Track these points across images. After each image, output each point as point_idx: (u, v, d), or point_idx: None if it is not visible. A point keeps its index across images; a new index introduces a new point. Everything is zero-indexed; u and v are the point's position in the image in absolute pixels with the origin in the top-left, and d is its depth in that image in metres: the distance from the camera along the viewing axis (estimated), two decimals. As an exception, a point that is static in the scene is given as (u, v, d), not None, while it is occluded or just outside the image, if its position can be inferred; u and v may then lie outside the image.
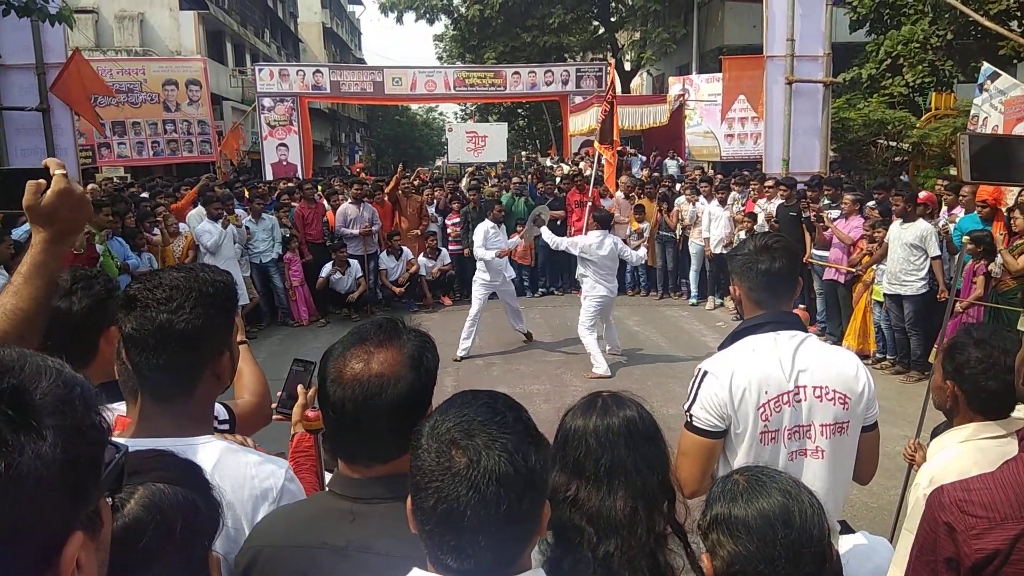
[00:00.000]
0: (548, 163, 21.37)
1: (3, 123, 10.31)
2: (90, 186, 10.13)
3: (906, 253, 7.60)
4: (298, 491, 1.56)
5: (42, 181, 1.39)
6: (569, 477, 1.64)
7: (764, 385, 2.18)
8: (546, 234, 8.68)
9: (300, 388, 2.06)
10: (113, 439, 0.78)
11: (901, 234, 7.67)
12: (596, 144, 11.35)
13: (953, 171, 10.56)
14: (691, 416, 2.26)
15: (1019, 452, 1.58)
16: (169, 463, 1.05)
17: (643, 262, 10.16)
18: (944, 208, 8.59)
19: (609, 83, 11.95)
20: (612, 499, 1.59)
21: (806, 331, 2.31)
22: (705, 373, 2.25)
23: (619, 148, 17.17)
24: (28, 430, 0.67)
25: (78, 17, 16.22)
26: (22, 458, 0.66)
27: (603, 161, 11.29)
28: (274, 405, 2.08)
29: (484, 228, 8.75)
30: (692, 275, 11.38)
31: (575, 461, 1.64)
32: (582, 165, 15.48)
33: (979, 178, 1.89)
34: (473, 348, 8.73)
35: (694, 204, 11.26)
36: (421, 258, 11.42)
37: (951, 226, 7.96)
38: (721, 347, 2.37)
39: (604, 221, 8.12)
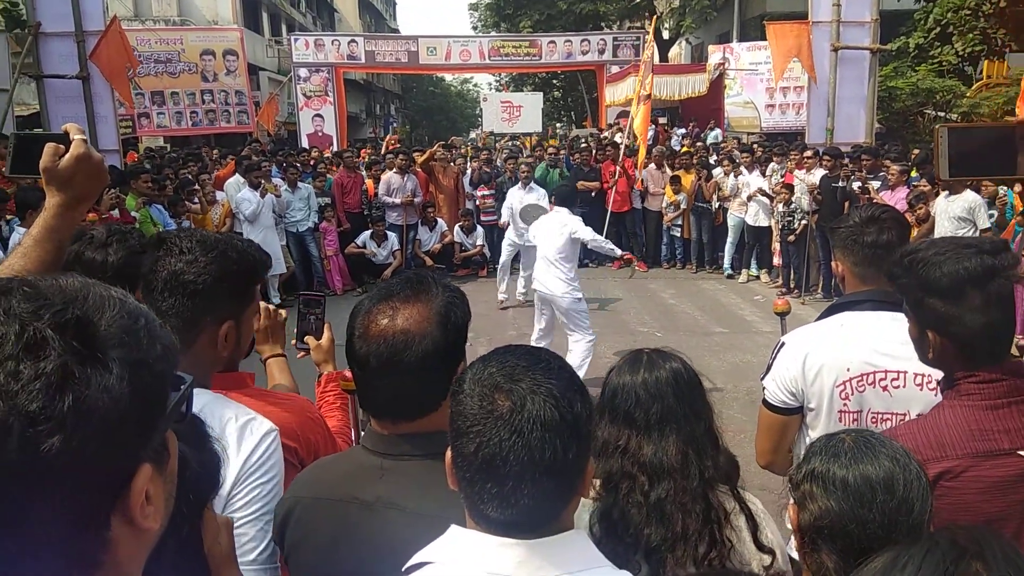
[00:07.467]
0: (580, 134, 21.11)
1: (44, 91, 10.42)
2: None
3: (953, 227, 7.31)
4: (278, 447, 1.53)
5: (61, 145, 1.40)
6: (619, 429, 1.69)
7: (846, 362, 2.05)
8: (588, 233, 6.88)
9: (327, 327, 2.16)
10: (179, 372, 0.77)
11: (948, 207, 7.40)
12: (636, 89, 11.15)
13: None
14: (764, 389, 2.18)
15: (942, 399, 1.69)
16: None
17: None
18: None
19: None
20: (664, 445, 1.65)
21: None
22: (783, 345, 2.16)
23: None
24: (95, 362, 0.66)
25: (117, -13, 16.32)
26: (89, 391, 0.64)
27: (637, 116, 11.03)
28: (293, 342, 2.17)
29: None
30: (728, 247, 11.23)
31: (625, 412, 1.69)
32: (617, 137, 15.31)
33: (958, 174, 1.81)
34: (507, 321, 8.70)
35: (736, 176, 11.04)
36: (456, 228, 11.40)
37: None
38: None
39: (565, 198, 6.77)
